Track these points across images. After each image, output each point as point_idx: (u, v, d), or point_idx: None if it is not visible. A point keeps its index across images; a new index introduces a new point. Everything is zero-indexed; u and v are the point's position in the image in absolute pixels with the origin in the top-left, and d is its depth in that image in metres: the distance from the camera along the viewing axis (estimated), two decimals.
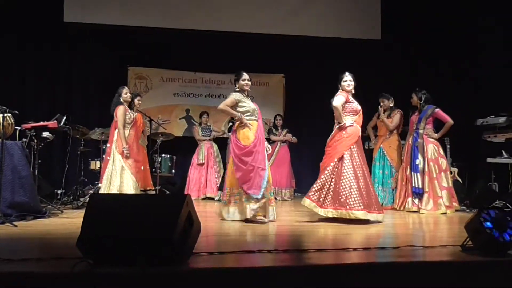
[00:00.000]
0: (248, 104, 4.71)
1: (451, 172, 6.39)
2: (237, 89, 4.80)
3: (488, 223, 2.76)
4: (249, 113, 4.68)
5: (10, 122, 4.51)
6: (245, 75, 4.80)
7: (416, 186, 5.76)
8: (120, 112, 5.55)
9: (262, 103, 8.52)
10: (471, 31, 7.70)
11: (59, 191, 6.25)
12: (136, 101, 6.28)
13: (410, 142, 6.03)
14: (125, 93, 5.75)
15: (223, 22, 8.23)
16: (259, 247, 2.93)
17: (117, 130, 5.55)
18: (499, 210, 2.87)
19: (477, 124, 6.18)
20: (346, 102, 4.71)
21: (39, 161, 5.43)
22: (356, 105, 4.78)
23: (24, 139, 5.26)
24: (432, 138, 5.87)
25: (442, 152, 5.95)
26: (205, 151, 7.84)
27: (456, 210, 5.76)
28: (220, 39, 8.30)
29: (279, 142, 7.84)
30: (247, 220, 4.42)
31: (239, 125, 4.68)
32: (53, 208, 5.21)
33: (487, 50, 7.33)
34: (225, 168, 7.89)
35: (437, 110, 5.90)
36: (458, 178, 7.06)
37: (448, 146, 7.01)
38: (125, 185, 5.39)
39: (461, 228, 3.11)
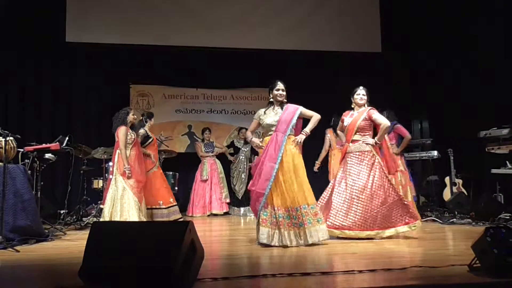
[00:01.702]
0: (265, 120, 4.41)
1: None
2: (270, 99, 4.48)
3: (496, 243, 2.72)
4: (265, 130, 4.46)
5: (12, 145, 4.50)
6: (279, 85, 4.45)
7: None
8: (122, 132, 5.55)
9: None
10: (471, 41, 7.69)
11: (62, 211, 6.24)
12: (153, 121, 6.51)
13: None
14: (133, 114, 5.82)
15: (224, 39, 8.30)
16: (264, 271, 2.90)
17: (118, 150, 5.55)
18: (507, 229, 2.82)
19: (480, 136, 6.14)
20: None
21: (42, 183, 5.42)
22: (345, 123, 4.88)
23: (26, 160, 5.26)
24: (394, 153, 6.04)
25: (403, 167, 6.17)
26: (208, 167, 7.84)
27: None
28: (221, 56, 8.34)
29: None
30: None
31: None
32: (56, 230, 5.19)
33: (488, 61, 7.30)
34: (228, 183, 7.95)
35: (397, 126, 6.24)
36: (463, 190, 7.01)
37: (452, 158, 6.98)
38: (126, 205, 5.37)
39: (466, 245, 3.07)
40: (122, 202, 5.37)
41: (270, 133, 4.38)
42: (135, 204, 5.39)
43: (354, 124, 4.75)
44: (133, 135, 5.73)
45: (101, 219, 5.45)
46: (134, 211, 5.35)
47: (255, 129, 4.59)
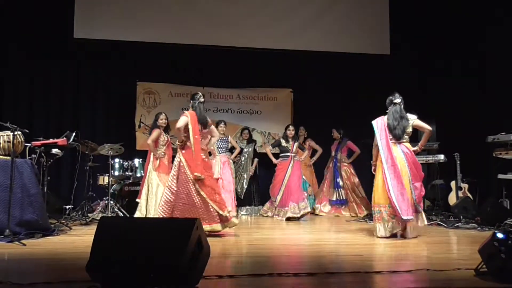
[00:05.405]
0: None
1: None
2: None
3: (503, 248, 2.71)
4: None
5: (20, 140, 4.53)
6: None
7: (340, 198, 7.71)
8: (154, 134, 6.33)
9: (270, 118, 8.65)
10: (480, 45, 7.64)
11: (67, 207, 6.25)
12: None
13: (331, 166, 7.94)
14: (161, 119, 6.46)
15: (231, 37, 8.28)
16: (269, 270, 2.90)
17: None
18: None
19: (488, 141, 6.10)
20: None
21: (48, 178, 5.44)
22: None
23: (33, 155, 5.28)
24: (346, 163, 7.88)
25: (354, 171, 7.87)
26: (221, 164, 7.12)
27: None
28: (228, 54, 8.34)
29: (292, 156, 7.24)
30: None
31: None
32: (61, 225, 5.20)
33: (497, 64, 7.25)
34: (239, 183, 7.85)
35: (349, 142, 7.86)
36: (469, 194, 6.96)
37: (458, 162, 6.94)
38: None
39: (472, 249, 3.05)
40: (156, 197, 5.92)
41: None
42: None
43: None
44: (165, 137, 6.45)
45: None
46: None
47: None
